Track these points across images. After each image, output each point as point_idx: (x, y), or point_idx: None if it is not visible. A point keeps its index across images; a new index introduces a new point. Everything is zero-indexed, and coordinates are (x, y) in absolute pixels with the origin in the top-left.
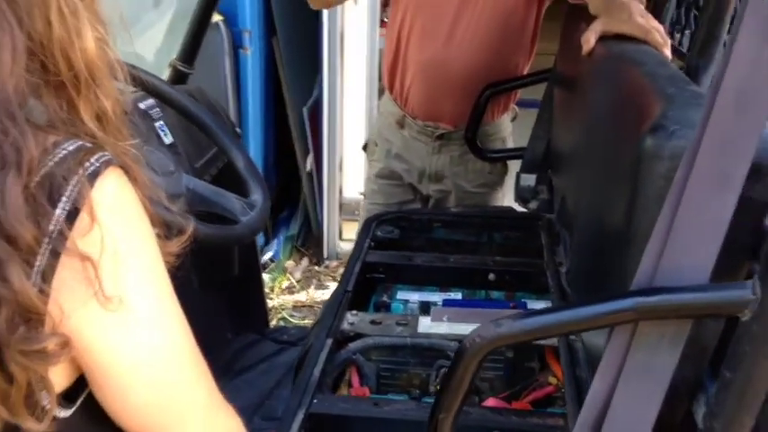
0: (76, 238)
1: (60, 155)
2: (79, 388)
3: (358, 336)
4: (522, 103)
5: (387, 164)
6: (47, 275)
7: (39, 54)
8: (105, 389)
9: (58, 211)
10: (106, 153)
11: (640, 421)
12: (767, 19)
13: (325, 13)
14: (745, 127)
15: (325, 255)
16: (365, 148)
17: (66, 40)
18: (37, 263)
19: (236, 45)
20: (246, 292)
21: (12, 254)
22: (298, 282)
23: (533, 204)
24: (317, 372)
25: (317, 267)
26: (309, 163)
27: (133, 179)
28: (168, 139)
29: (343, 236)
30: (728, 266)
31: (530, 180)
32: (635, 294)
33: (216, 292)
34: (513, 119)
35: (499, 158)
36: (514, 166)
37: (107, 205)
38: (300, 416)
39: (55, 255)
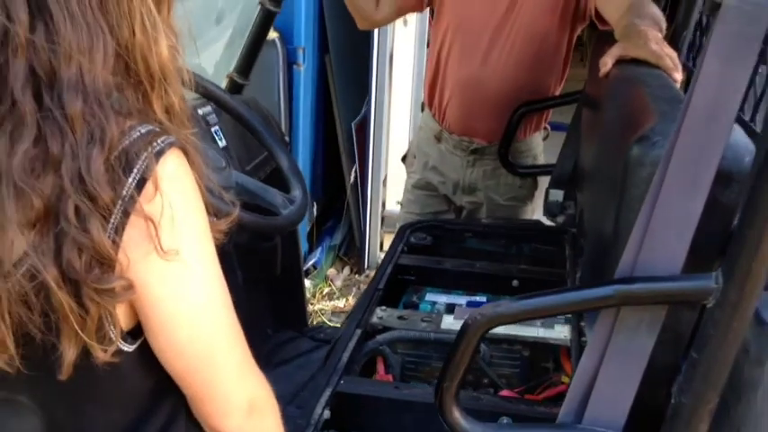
0: (143, 203)
1: (134, 136)
2: (140, 331)
3: (386, 329)
4: (555, 126)
5: (423, 175)
6: (119, 230)
7: (123, 56)
8: (156, 329)
9: (129, 180)
10: (171, 137)
11: (621, 396)
12: (729, 45)
13: (376, 33)
14: (711, 138)
15: (366, 265)
16: (404, 159)
17: (145, 47)
18: (112, 220)
19: (291, 61)
20: (287, 291)
21: (93, 211)
22: (338, 289)
23: (561, 219)
24: (345, 357)
25: (357, 276)
26: (353, 175)
27: (191, 162)
28: (222, 143)
29: (384, 247)
30: (702, 262)
31: (558, 195)
32: (616, 282)
33: (259, 290)
34: (545, 138)
35: (530, 174)
36: (544, 182)
37: (168, 178)
38: (327, 394)
39: (126, 214)
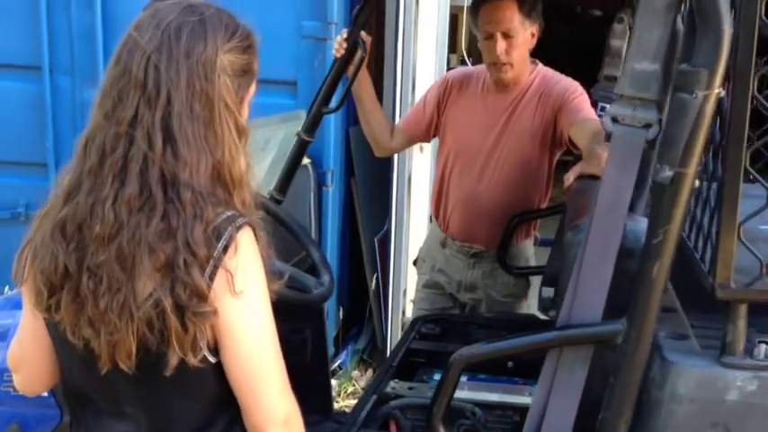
0: (226, 260)
1: (222, 217)
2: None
3: (398, 396)
4: (543, 242)
5: (431, 276)
6: (212, 277)
7: (217, 168)
8: (227, 346)
9: (219, 245)
10: (245, 218)
11: (566, 417)
12: (620, 160)
13: (396, 158)
14: (613, 223)
15: None
16: (415, 263)
17: (230, 163)
18: (208, 270)
19: (321, 183)
20: (315, 378)
21: (194, 262)
22: (362, 389)
23: (552, 313)
24: (363, 414)
25: None
26: (374, 282)
27: (257, 236)
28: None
29: None
30: (616, 312)
31: (549, 292)
32: (557, 329)
33: (290, 376)
34: (535, 243)
35: (523, 274)
36: (536, 281)
37: (243, 244)
38: None
39: (215, 267)
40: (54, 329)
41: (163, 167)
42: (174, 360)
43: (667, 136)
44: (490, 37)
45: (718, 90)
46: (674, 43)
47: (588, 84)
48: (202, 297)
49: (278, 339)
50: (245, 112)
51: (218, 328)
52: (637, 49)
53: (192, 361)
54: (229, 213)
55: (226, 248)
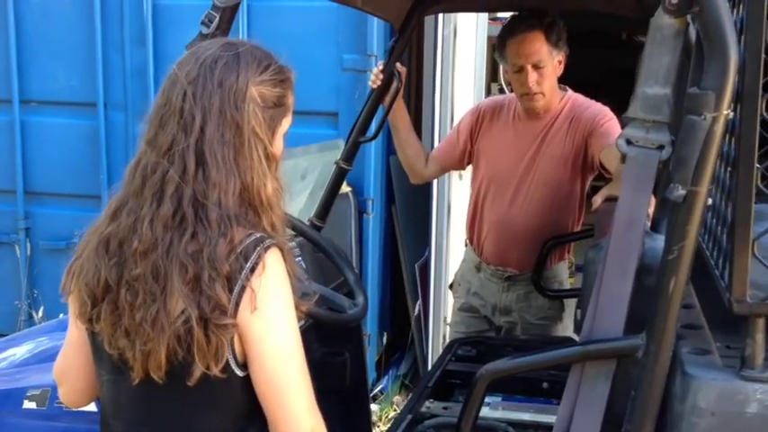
0: (252, 279)
1: (252, 238)
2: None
3: (433, 416)
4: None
5: (467, 300)
6: (240, 294)
7: (245, 191)
8: (254, 360)
9: (247, 266)
10: (273, 240)
11: (590, 431)
12: (635, 180)
13: (435, 186)
14: (630, 240)
15: None
16: (451, 287)
17: (259, 185)
18: (236, 288)
19: (361, 210)
20: (354, 402)
21: (217, 277)
22: None
23: None
24: None
25: None
26: (417, 308)
27: (284, 257)
28: (304, 268)
29: None
30: (637, 328)
31: None
32: (580, 344)
33: (330, 400)
34: (570, 267)
35: (558, 297)
36: (570, 304)
37: (269, 264)
38: None
39: (243, 287)
40: (93, 340)
41: (195, 189)
42: (197, 371)
43: (679, 156)
44: (521, 70)
45: (726, 112)
46: (685, 67)
47: None
48: (223, 311)
49: (304, 357)
50: (279, 142)
51: (245, 343)
52: (647, 75)
53: (215, 371)
54: (258, 235)
55: (253, 268)
